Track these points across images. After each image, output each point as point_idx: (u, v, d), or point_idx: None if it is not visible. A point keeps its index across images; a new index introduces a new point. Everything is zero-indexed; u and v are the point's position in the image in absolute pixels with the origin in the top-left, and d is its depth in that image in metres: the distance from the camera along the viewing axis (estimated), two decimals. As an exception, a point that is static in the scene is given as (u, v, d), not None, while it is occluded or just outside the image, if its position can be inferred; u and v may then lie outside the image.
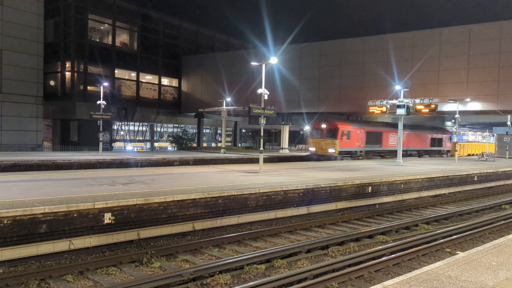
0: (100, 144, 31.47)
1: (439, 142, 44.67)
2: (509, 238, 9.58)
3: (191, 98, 49.34)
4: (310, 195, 15.21)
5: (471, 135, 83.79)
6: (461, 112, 32.86)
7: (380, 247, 10.66)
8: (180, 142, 50.43)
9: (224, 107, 37.47)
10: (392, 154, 37.71)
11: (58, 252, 9.64)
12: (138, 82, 47.82)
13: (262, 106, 19.17)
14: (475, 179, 24.24)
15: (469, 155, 51.11)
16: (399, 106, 26.21)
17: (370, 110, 28.34)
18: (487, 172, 25.35)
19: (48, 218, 9.55)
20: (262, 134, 20.59)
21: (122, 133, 51.55)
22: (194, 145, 50.95)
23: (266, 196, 13.92)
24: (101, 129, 31.17)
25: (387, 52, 34.98)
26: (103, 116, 30.87)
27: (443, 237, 11.98)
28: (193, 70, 49.32)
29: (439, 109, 29.82)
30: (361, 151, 34.51)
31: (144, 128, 54.00)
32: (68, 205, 9.90)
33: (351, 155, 33.51)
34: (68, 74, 42.18)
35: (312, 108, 39.72)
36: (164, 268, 9.24)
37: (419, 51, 33.86)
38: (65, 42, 41.67)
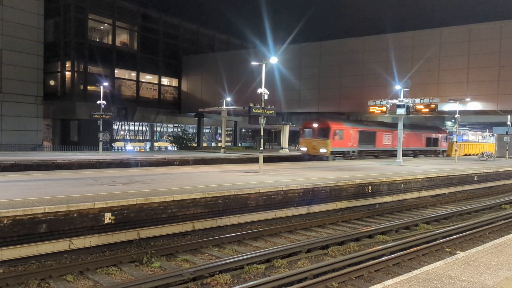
0: (100, 144, 31.47)
1: (435, 141, 44.23)
2: (509, 238, 9.58)
3: (191, 98, 49.34)
4: (310, 195, 15.21)
5: (471, 135, 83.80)
6: (461, 112, 32.86)
7: (380, 247, 10.66)
8: (180, 142, 50.43)
9: (224, 107, 37.48)
10: (386, 154, 37.40)
11: (58, 252, 9.64)
12: (138, 82, 47.83)
13: (262, 106, 19.16)
14: (475, 179, 24.24)
15: (465, 155, 51.01)
16: (399, 106, 26.20)
17: (370, 110, 28.33)
18: (487, 172, 25.34)
19: (48, 218, 9.55)
20: (262, 134, 20.59)
21: (122, 133, 51.56)
22: (194, 145, 50.95)
23: (266, 196, 13.92)
24: (101, 129, 31.17)
25: (387, 52, 34.97)
26: (103, 116, 30.87)
27: (443, 237, 11.98)
28: (193, 70, 49.32)
29: (439, 109, 29.83)
30: (353, 151, 33.99)
31: (144, 128, 54.01)
32: (68, 205, 9.90)
33: (344, 155, 33.03)
34: (68, 74, 42.19)
35: (312, 108, 39.72)
36: (164, 268, 9.24)
37: (419, 51, 33.86)
38: (65, 42, 41.67)
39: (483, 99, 31.82)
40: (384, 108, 27.44)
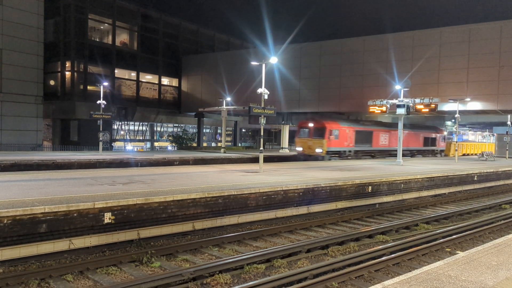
0: (100, 143, 31.46)
1: (432, 141, 43.84)
2: (509, 237, 9.58)
3: (191, 98, 49.34)
4: (310, 195, 15.22)
5: (471, 135, 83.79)
6: (461, 112, 32.85)
7: (380, 246, 10.67)
8: (180, 141, 50.42)
9: (224, 106, 37.47)
10: (383, 154, 37.10)
11: (58, 252, 9.65)
12: (138, 81, 47.82)
13: (262, 105, 19.16)
14: (475, 178, 24.24)
15: (463, 155, 50.93)
16: (399, 106, 26.20)
17: (370, 110, 28.33)
18: (487, 172, 25.35)
19: (48, 217, 9.55)
20: (262, 133, 20.58)
21: (122, 132, 51.56)
22: (194, 144, 50.94)
23: (266, 196, 13.92)
24: (101, 129, 31.16)
25: (387, 52, 34.96)
26: (103, 116, 30.86)
27: (443, 237, 11.99)
28: (193, 70, 49.33)
29: (439, 108, 29.82)
30: (350, 151, 33.59)
31: (144, 128, 54.00)
32: (68, 205, 9.91)
33: (340, 155, 32.63)
34: (68, 73, 42.18)
35: (312, 107, 39.72)
36: (164, 268, 9.24)
37: (419, 51, 33.85)
38: (65, 42, 41.66)
39: (483, 99, 31.82)
40: (384, 108, 27.44)
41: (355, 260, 9.56)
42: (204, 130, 57.80)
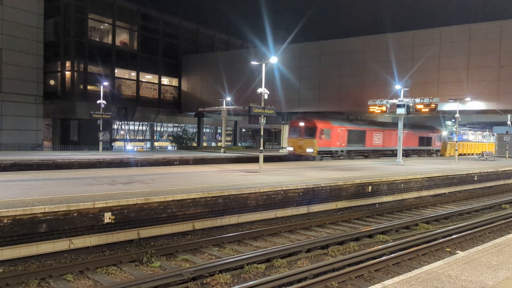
0: (100, 143, 31.45)
1: (428, 141, 43.27)
2: (509, 237, 9.58)
3: (191, 98, 49.34)
4: (310, 195, 15.22)
5: (471, 135, 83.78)
6: (461, 112, 32.84)
7: (380, 246, 10.67)
8: (180, 141, 50.43)
9: (224, 106, 37.47)
10: (377, 154, 36.62)
11: (58, 252, 9.65)
12: (138, 81, 47.82)
13: (262, 105, 19.16)
14: (475, 178, 24.24)
15: (460, 155, 50.82)
16: (399, 106, 26.21)
17: (370, 110, 28.33)
18: (487, 172, 25.35)
19: (48, 217, 9.55)
20: (262, 133, 20.58)
21: (122, 132, 51.56)
22: (194, 144, 50.94)
23: (266, 196, 13.92)
24: (101, 129, 31.15)
25: (387, 52, 34.95)
26: (103, 116, 30.85)
27: (443, 237, 11.99)
28: (193, 70, 49.32)
29: (439, 108, 29.81)
30: (342, 151, 32.93)
31: (144, 128, 54.00)
32: (68, 205, 9.91)
33: (331, 155, 32.00)
34: (68, 73, 42.18)
35: (312, 107, 39.71)
36: (164, 268, 9.24)
37: (419, 51, 33.84)
38: (65, 42, 41.66)
39: (483, 99, 31.81)
40: (384, 108, 27.45)
41: (355, 260, 9.56)
42: (204, 130, 57.79)
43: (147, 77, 49.22)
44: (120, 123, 50.01)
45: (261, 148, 20.62)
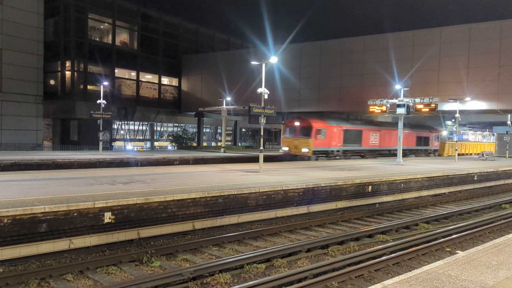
0: (100, 143, 31.45)
1: (425, 141, 42.83)
2: (509, 237, 9.58)
3: (191, 98, 49.35)
4: (310, 194, 15.21)
5: (471, 135, 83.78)
6: (461, 112, 32.85)
7: (380, 246, 10.67)
8: (180, 141, 50.42)
9: (224, 106, 37.47)
10: (373, 153, 36.25)
11: (58, 251, 9.65)
12: (138, 81, 47.83)
13: (262, 105, 19.15)
14: (475, 178, 24.24)
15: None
16: (399, 106, 26.20)
17: (370, 110, 28.32)
18: (487, 172, 25.35)
19: (48, 217, 9.55)
20: (262, 133, 20.58)
21: (122, 132, 51.55)
22: (194, 144, 50.94)
23: (266, 196, 13.92)
24: (101, 128, 31.15)
25: (387, 51, 34.94)
26: (103, 115, 30.84)
27: (443, 237, 11.99)
28: (193, 70, 49.33)
29: (439, 108, 29.80)
30: (338, 151, 32.49)
31: (144, 127, 54.00)
32: (68, 205, 9.91)
33: (327, 155, 31.57)
34: (68, 73, 42.19)
35: (312, 107, 39.72)
36: (164, 267, 9.24)
37: (419, 50, 33.84)
38: (65, 41, 41.67)
39: (483, 99, 31.82)
40: (384, 108, 27.44)
41: (355, 259, 9.56)
42: (204, 130, 57.81)
43: (147, 77, 49.23)
44: (120, 123, 50.01)
45: (261, 148, 20.61)
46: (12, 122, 36.86)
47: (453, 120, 40.40)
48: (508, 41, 30.65)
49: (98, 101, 31.20)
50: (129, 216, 10.80)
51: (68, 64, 41.99)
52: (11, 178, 14.87)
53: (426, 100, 26.13)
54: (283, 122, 42.95)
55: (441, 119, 49.98)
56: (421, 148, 42.39)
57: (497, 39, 31.12)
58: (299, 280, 8.27)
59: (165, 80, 51.12)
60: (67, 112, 41.69)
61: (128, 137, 51.63)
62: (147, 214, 11.14)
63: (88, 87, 42.37)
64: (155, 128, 55.83)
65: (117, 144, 48.37)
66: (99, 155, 28.46)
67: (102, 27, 44.74)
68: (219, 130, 62.48)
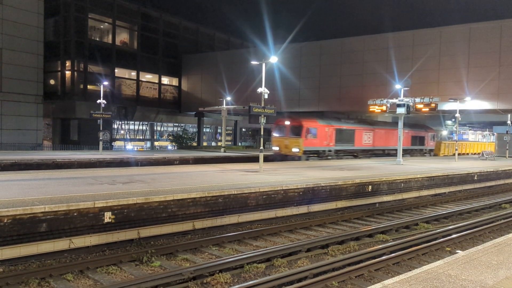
0: (100, 143, 31.44)
1: (421, 140, 42.43)
2: (509, 237, 9.58)
3: (191, 97, 49.35)
4: (310, 194, 15.22)
5: (471, 134, 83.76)
6: (461, 111, 32.84)
7: (380, 246, 10.67)
8: (180, 141, 50.42)
9: (224, 106, 37.47)
10: (367, 153, 35.80)
11: (58, 251, 9.65)
12: (138, 81, 47.82)
13: (262, 105, 19.15)
14: (475, 178, 24.24)
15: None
16: (399, 105, 26.19)
17: (370, 109, 28.31)
18: (487, 171, 25.35)
19: (48, 217, 9.55)
20: (262, 133, 20.58)
21: (122, 132, 51.53)
22: (194, 144, 50.94)
23: (266, 195, 13.92)
24: (101, 128, 31.14)
25: (387, 51, 34.94)
26: (103, 115, 30.83)
27: (443, 236, 11.99)
28: (193, 69, 49.33)
29: (439, 108, 29.80)
30: (329, 150, 31.60)
31: (144, 127, 53.99)
32: (68, 204, 9.91)
33: (318, 154, 30.79)
34: (68, 73, 42.18)
35: (312, 107, 39.72)
36: (164, 267, 9.24)
37: (419, 50, 33.84)
38: (65, 41, 41.66)
39: (483, 98, 31.82)
40: (384, 107, 27.42)
41: (355, 259, 9.56)
42: (204, 130, 57.79)
43: (147, 76, 49.23)
44: (120, 122, 49.99)
45: (261, 147, 20.60)
46: (12, 122, 36.87)
47: (453, 119, 40.38)
48: (508, 41, 30.65)
49: (98, 101, 31.19)
50: (129, 216, 10.80)
51: (68, 63, 41.99)
52: (11, 178, 14.88)
53: (426, 99, 26.11)
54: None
55: (441, 118, 49.98)
56: (416, 147, 41.89)
57: (497, 39, 31.12)
58: (299, 280, 8.28)
59: (165, 80, 51.12)
60: (67, 112, 41.69)
61: (128, 137, 51.62)
62: (147, 214, 11.14)
63: (88, 86, 42.37)
64: (155, 128, 55.82)
65: (117, 144, 48.38)
66: (99, 155, 28.46)
67: (102, 26, 44.73)
68: (219, 130, 62.47)
